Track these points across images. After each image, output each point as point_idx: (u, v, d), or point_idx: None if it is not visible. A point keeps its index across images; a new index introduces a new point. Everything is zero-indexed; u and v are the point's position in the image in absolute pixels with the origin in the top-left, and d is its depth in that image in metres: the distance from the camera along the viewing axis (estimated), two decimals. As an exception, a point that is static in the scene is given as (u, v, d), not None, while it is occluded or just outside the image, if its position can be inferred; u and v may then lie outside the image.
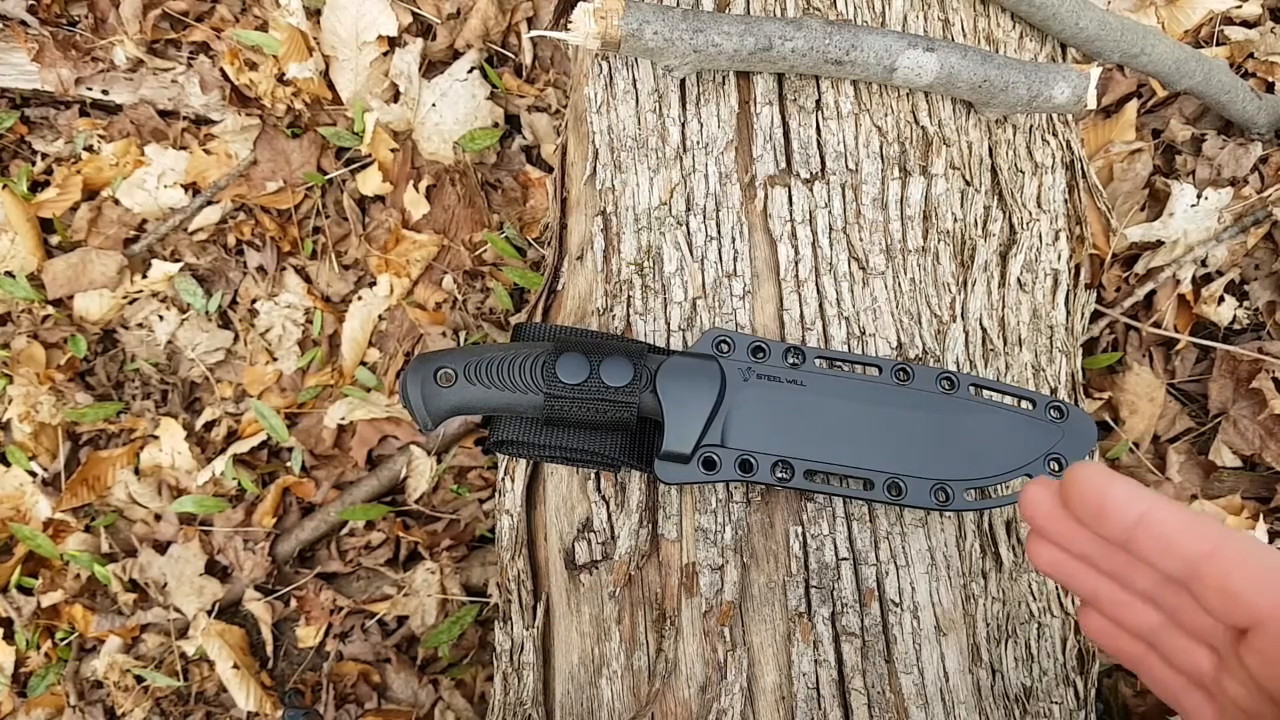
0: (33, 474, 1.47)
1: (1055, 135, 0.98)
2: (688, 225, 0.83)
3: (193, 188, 1.55)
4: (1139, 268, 1.26)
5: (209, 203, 1.54)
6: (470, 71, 1.51)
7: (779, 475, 0.70)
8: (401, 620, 1.40)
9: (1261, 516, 1.16)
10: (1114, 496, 0.47)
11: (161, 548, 1.43)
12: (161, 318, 1.51)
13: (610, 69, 0.88)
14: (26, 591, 1.43)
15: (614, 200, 0.85)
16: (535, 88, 1.54)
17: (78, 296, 1.50)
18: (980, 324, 0.86)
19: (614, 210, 0.85)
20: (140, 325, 1.52)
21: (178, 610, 1.40)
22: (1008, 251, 0.91)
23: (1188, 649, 0.50)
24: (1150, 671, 0.53)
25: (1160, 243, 1.26)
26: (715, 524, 0.75)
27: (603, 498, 0.78)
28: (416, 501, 1.43)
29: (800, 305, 0.80)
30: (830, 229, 0.82)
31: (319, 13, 1.51)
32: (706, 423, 0.70)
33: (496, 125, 1.52)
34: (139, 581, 1.42)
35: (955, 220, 0.87)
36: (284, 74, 1.51)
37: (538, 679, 0.82)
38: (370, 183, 1.51)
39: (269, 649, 1.41)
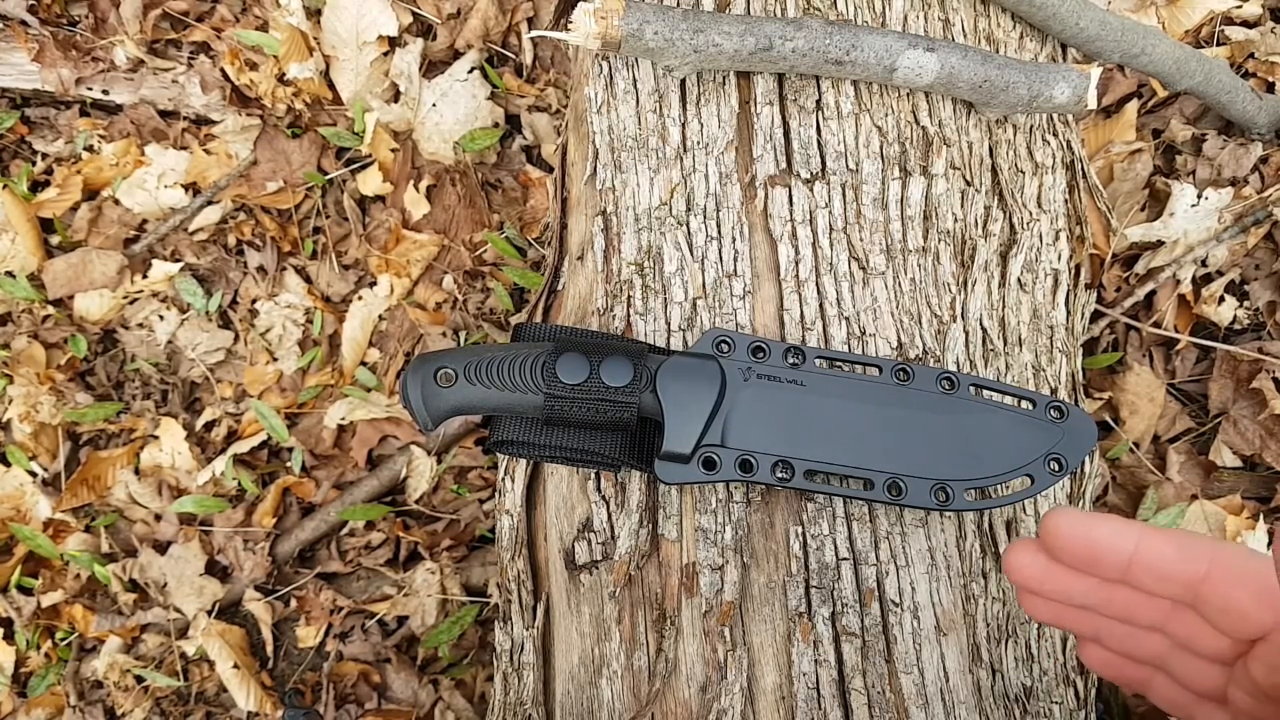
0: (33, 474, 1.47)
1: (1055, 135, 0.98)
2: (688, 225, 0.83)
3: (193, 188, 1.55)
4: (1139, 268, 1.26)
5: (209, 203, 1.54)
6: (470, 71, 1.51)
7: (779, 475, 0.70)
8: (401, 620, 1.40)
9: (1261, 516, 1.16)
10: (1101, 539, 0.46)
11: (161, 548, 1.43)
12: (162, 318, 1.51)
13: (610, 69, 0.88)
14: (26, 591, 1.43)
15: (614, 200, 0.85)
16: (535, 88, 1.54)
17: (78, 296, 1.50)
18: (980, 324, 0.86)
19: (614, 210, 0.85)
20: (140, 325, 1.52)
21: (178, 610, 1.40)
22: (1008, 251, 0.91)
23: (1199, 667, 0.49)
24: (1158, 692, 0.52)
25: (1160, 243, 1.26)
26: (715, 524, 0.75)
27: (603, 498, 0.78)
28: (416, 501, 1.43)
29: (800, 305, 0.80)
30: (830, 229, 0.82)
31: (319, 13, 1.51)
32: (706, 423, 0.70)
33: (497, 125, 1.52)
34: (139, 581, 1.42)
35: (955, 220, 0.87)
36: (284, 74, 1.51)
37: (538, 679, 0.82)
38: (370, 183, 1.51)
39: (269, 649, 1.41)
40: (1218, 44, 1.39)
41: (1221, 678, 0.48)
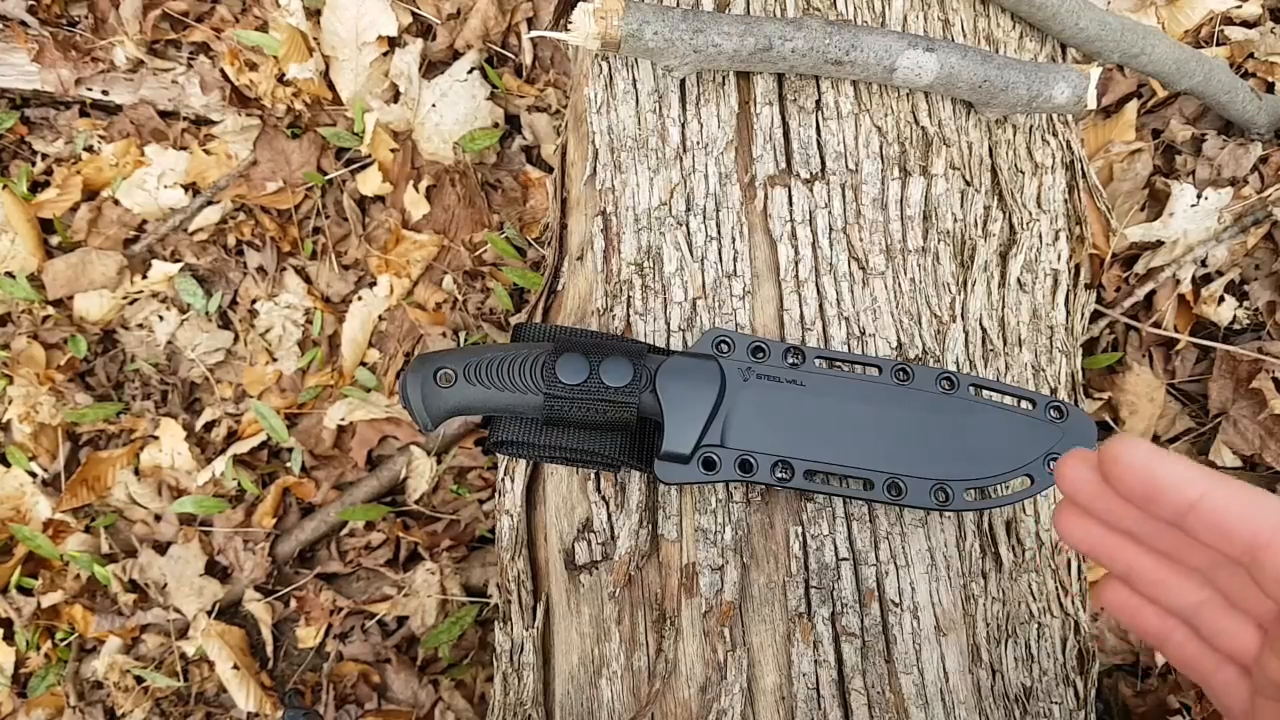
0: (33, 474, 1.47)
1: (1055, 135, 0.98)
2: (688, 225, 0.83)
3: (193, 188, 1.55)
4: (1139, 268, 1.26)
5: (209, 203, 1.54)
6: (470, 72, 1.51)
7: (779, 475, 0.70)
8: (401, 621, 1.40)
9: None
10: (1165, 478, 0.43)
11: (161, 548, 1.43)
12: (161, 318, 1.51)
13: (610, 69, 0.88)
14: (26, 592, 1.43)
15: (614, 200, 0.85)
16: (535, 88, 1.54)
17: (78, 297, 1.50)
18: (980, 324, 0.86)
19: (614, 210, 0.85)
20: (140, 325, 1.52)
21: (178, 611, 1.40)
22: (1008, 251, 0.91)
23: (1233, 627, 0.47)
24: (1177, 648, 0.50)
25: (1160, 243, 1.26)
26: (715, 524, 0.75)
27: (603, 498, 0.78)
28: (416, 502, 1.43)
29: (800, 305, 0.80)
30: (830, 229, 0.82)
31: (319, 13, 1.51)
32: (706, 423, 0.70)
33: (496, 125, 1.52)
34: (139, 582, 1.42)
35: (955, 220, 0.87)
36: (284, 74, 1.51)
37: (538, 679, 0.82)
38: (370, 183, 1.51)
39: (269, 649, 1.41)
40: (1217, 44, 1.39)
41: (1255, 641, 0.46)
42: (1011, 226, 0.92)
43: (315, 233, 1.54)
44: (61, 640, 1.42)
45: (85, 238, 1.53)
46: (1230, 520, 0.42)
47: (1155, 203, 1.29)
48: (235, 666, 1.37)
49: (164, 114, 1.56)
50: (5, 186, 1.51)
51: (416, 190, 1.50)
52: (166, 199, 1.53)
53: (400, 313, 1.49)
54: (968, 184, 0.89)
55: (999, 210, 0.91)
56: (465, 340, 1.47)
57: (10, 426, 1.47)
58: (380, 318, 1.50)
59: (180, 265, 1.52)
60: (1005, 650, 0.80)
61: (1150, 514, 0.45)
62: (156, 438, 1.46)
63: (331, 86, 1.53)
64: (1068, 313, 0.97)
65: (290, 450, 1.47)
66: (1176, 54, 1.08)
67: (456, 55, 1.54)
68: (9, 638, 1.41)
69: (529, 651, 0.82)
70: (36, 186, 1.56)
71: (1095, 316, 1.25)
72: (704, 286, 0.81)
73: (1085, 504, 0.48)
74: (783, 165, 0.84)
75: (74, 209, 1.54)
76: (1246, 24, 1.40)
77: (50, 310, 1.50)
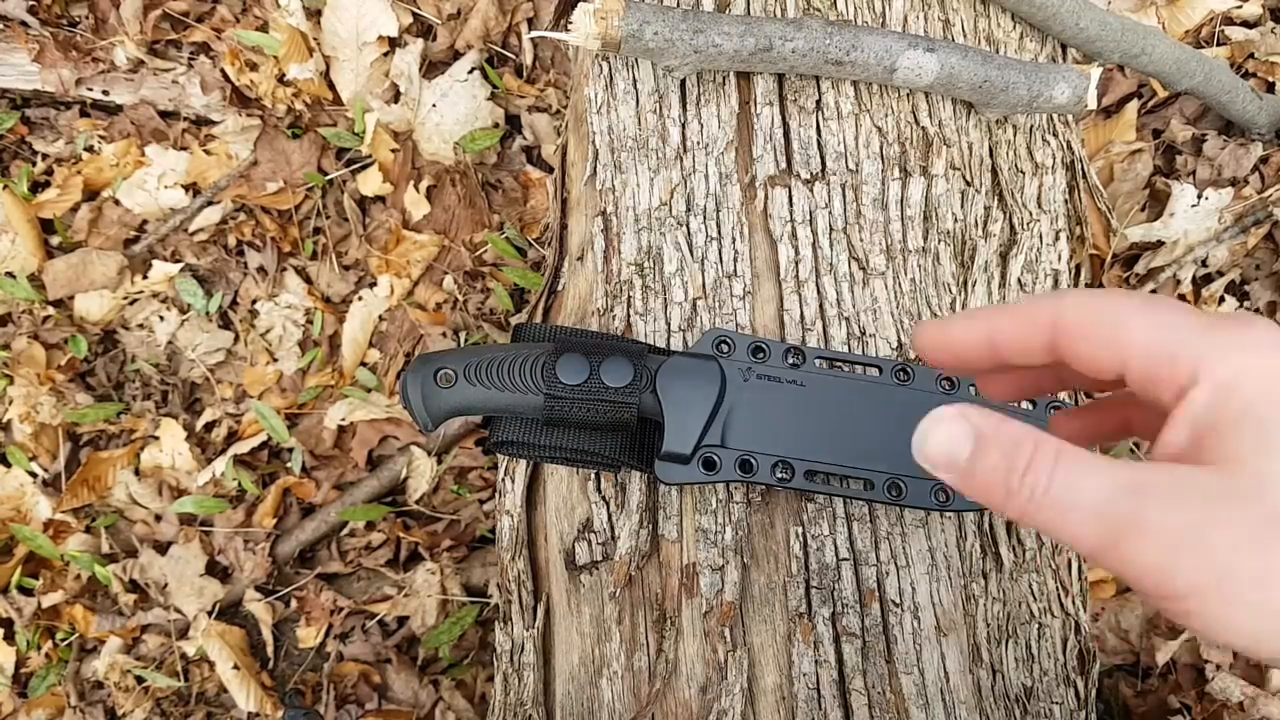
0: (33, 474, 1.47)
1: (1056, 135, 0.98)
2: (688, 225, 0.83)
3: (193, 188, 1.55)
4: (1139, 268, 1.26)
5: (209, 203, 1.54)
6: (471, 72, 1.51)
7: (779, 476, 0.70)
8: (402, 621, 1.40)
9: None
10: (956, 338, 0.45)
11: (162, 548, 1.43)
12: (162, 318, 1.51)
13: (610, 69, 0.88)
14: (27, 592, 1.43)
15: (614, 200, 0.85)
16: (535, 88, 1.54)
17: (78, 297, 1.50)
18: (980, 324, 0.86)
19: (614, 210, 0.85)
20: (141, 326, 1.52)
21: (178, 611, 1.40)
22: (1008, 252, 0.91)
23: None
24: None
25: (1161, 243, 1.26)
26: (715, 524, 0.75)
27: (603, 498, 0.78)
28: (417, 502, 1.43)
29: (800, 306, 0.80)
30: (830, 229, 0.82)
31: (319, 13, 1.51)
32: (706, 423, 0.70)
33: (497, 125, 1.52)
34: (139, 582, 1.42)
35: (955, 220, 0.87)
36: (284, 74, 1.51)
37: (538, 679, 0.82)
38: (370, 183, 1.51)
39: (269, 649, 1.41)
40: (1218, 44, 1.39)
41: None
42: (1012, 227, 0.92)
43: (315, 233, 1.54)
44: (62, 640, 1.42)
45: (85, 238, 1.53)
46: (1019, 337, 0.42)
47: (1155, 203, 1.29)
48: (236, 666, 1.37)
49: (164, 114, 1.56)
50: (5, 186, 1.51)
51: (417, 190, 1.51)
52: (167, 199, 1.53)
53: (400, 313, 1.49)
54: (968, 184, 0.89)
55: (999, 210, 0.91)
56: (465, 340, 1.47)
57: (11, 426, 1.47)
58: (380, 318, 1.50)
59: (180, 265, 1.52)
60: (1006, 650, 0.80)
61: (976, 370, 0.47)
62: (157, 438, 1.46)
63: (332, 86, 1.53)
64: (1068, 313, 0.97)
65: (290, 450, 1.47)
66: (1177, 54, 1.08)
67: (457, 55, 1.54)
68: (9, 638, 1.41)
69: (529, 651, 0.82)
70: (37, 186, 1.56)
71: (1095, 316, 1.25)
72: (704, 287, 0.81)
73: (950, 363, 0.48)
74: (783, 165, 0.84)
75: (74, 209, 1.54)
76: (1247, 24, 1.40)
77: (50, 310, 1.51)
